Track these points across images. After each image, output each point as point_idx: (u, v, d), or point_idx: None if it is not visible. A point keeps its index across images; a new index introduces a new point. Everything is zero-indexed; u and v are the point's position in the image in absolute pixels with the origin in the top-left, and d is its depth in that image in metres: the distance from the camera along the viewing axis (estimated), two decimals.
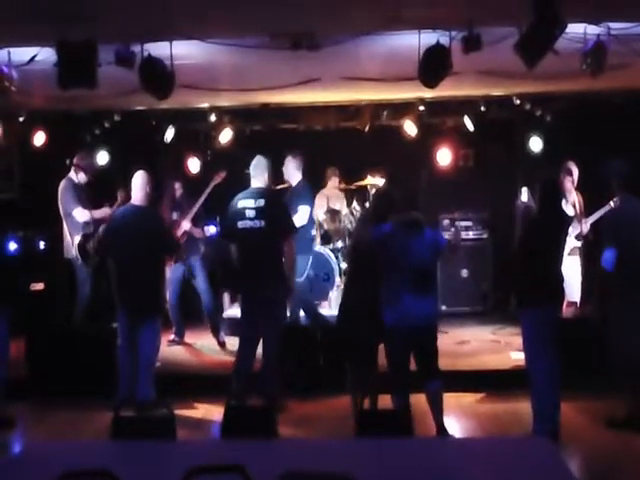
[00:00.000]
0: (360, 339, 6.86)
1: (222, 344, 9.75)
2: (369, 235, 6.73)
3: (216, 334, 9.82)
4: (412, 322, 6.43)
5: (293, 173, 9.10)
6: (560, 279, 6.82)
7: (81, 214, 9.04)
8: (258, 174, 7.53)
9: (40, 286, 10.64)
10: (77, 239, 9.01)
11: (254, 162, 7.59)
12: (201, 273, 9.91)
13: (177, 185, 10.01)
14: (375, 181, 10.67)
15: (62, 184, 9.14)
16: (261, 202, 7.36)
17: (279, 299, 7.48)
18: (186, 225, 9.70)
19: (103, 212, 8.94)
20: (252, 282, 7.41)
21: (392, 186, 8.57)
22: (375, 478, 3.98)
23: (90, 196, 9.28)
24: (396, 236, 6.49)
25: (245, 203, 7.41)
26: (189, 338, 10.16)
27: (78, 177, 9.21)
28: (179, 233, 9.62)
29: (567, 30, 5.87)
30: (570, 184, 8.99)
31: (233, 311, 10.28)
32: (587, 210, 9.00)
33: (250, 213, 7.35)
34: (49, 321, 9.52)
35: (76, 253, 9.03)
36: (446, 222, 11.13)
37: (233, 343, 9.12)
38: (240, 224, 7.39)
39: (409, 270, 6.43)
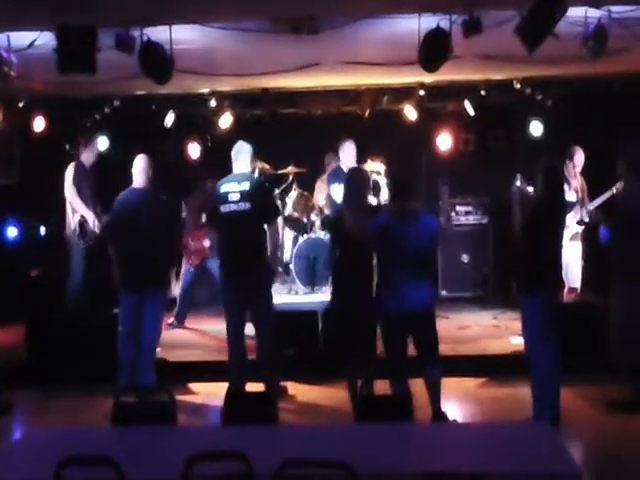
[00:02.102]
0: (357, 325, 6.89)
1: None
2: (362, 222, 6.72)
3: None
4: (409, 308, 6.43)
5: (351, 157, 9.21)
6: (560, 265, 6.82)
7: (71, 195, 9.03)
8: (240, 159, 7.49)
9: (40, 272, 10.64)
10: (77, 217, 9.02)
11: (236, 147, 7.54)
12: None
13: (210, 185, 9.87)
14: (375, 166, 10.64)
15: (69, 168, 9.15)
16: (245, 185, 7.30)
17: (264, 283, 7.45)
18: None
19: (86, 212, 8.97)
20: (236, 267, 7.34)
21: (363, 168, 8.67)
22: (375, 464, 3.98)
23: (94, 180, 9.28)
24: (392, 226, 6.49)
25: (228, 187, 7.35)
26: (190, 323, 10.15)
27: (85, 157, 9.25)
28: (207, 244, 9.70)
29: (568, 13, 5.85)
30: (573, 169, 8.97)
31: None
32: (589, 196, 8.99)
33: (234, 197, 7.29)
34: (49, 307, 9.52)
35: (75, 229, 9.02)
36: (445, 206, 11.08)
37: None
38: (223, 208, 7.32)
39: (405, 257, 6.42)
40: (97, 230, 8.94)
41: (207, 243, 9.85)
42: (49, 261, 10.50)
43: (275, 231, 7.56)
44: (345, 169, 9.07)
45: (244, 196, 7.27)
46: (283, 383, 7.67)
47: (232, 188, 7.33)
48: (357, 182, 7.26)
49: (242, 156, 7.48)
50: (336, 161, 11.06)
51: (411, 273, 6.44)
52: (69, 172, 9.10)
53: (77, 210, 9.03)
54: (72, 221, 9.09)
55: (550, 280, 6.70)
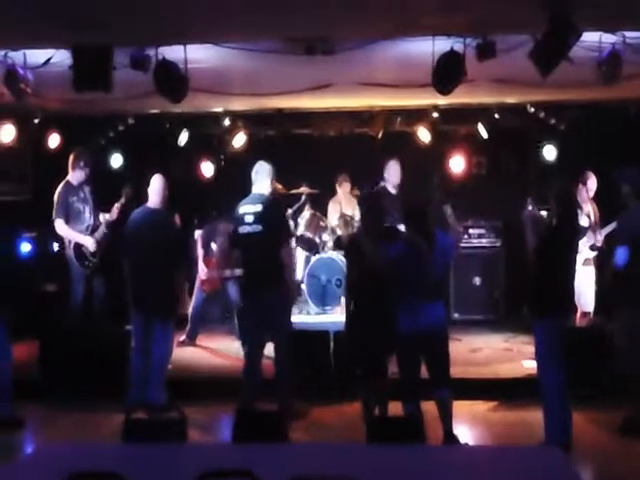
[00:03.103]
0: (371, 348, 6.88)
1: None
2: (379, 246, 6.75)
3: None
4: (424, 329, 6.44)
5: (397, 176, 9.45)
6: (572, 289, 6.81)
7: (58, 226, 8.91)
8: (259, 179, 7.56)
9: (53, 287, 10.67)
10: (72, 243, 8.96)
11: (256, 167, 7.60)
12: (234, 285, 9.89)
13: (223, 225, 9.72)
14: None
15: (58, 188, 9.00)
16: (259, 207, 7.39)
17: (281, 303, 7.50)
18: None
19: (81, 238, 8.88)
20: (254, 287, 7.44)
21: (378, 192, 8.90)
22: None
23: (91, 191, 9.18)
24: (408, 254, 6.53)
25: (245, 209, 7.45)
26: (202, 341, 10.15)
27: (75, 176, 9.04)
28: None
29: (582, 38, 5.85)
30: (586, 194, 8.95)
31: None
32: (602, 221, 8.97)
33: (249, 218, 7.38)
34: (62, 323, 9.53)
35: (71, 254, 8.99)
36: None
37: None
38: (241, 229, 7.44)
39: (422, 281, 6.47)
40: (92, 249, 8.89)
41: (217, 273, 9.82)
42: (62, 277, 10.53)
43: (287, 253, 7.57)
44: (391, 189, 9.13)
45: (257, 218, 7.34)
46: (299, 404, 7.66)
47: (248, 210, 7.42)
48: (374, 206, 7.31)
49: (260, 176, 7.55)
50: (348, 181, 11.11)
51: (427, 296, 6.49)
52: (55, 197, 8.92)
53: (69, 239, 8.98)
54: (68, 248, 9.03)
55: (562, 305, 6.69)
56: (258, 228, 7.35)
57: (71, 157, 9.15)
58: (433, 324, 6.49)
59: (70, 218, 8.94)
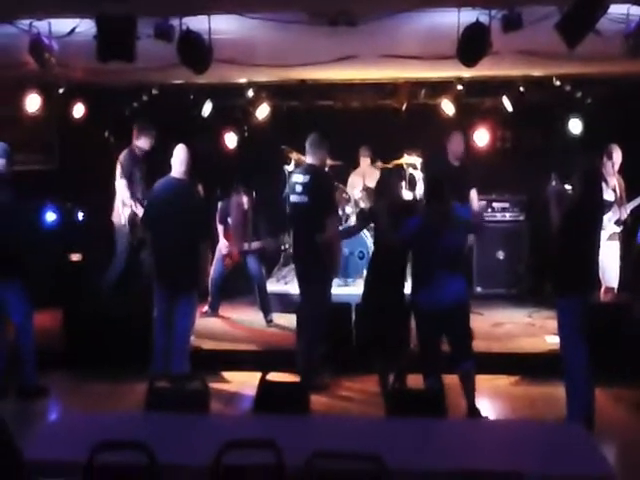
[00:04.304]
0: (385, 320, 6.91)
1: (269, 321, 9.68)
2: (396, 219, 6.81)
3: (266, 312, 9.76)
4: (445, 304, 6.45)
5: (460, 149, 9.43)
6: (597, 266, 6.77)
7: (121, 188, 9.05)
8: (311, 151, 7.64)
9: (78, 257, 10.75)
10: (127, 210, 9.04)
11: (310, 138, 7.68)
12: (253, 255, 9.90)
13: (245, 200, 9.84)
14: (411, 160, 10.62)
15: (122, 153, 9.17)
16: (307, 178, 7.49)
17: (316, 276, 7.53)
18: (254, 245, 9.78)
19: (139, 206, 8.93)
20: (296, 254, 7.69)
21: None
22: (406, 459, 3.98)
23: (145, 170, 9.26)
24: (426, 228, 6.53)
25: (296, 178, 7.60)
26: (225, 312, 10.19)
27: (138, 145, 9.20)
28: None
29: (609, 10, 5.78)
30: (611, 168, 8.86)
31: (275, 287, 10.37)
32: (627, 195, 8.89)
33: (298, 188, 7.51)
34: (87, 292, 9.61)
35: (125, 222, 9.08)
36: (482, 203, 11.00)
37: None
38: (292, 198, 7.62)
39: (441, 256, 6.46)
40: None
41: (236, 247, 9.85)
42: (87, 246, 10.61)
43: (332, 225, 7.59)
44: (453, 161, 9.26)
45: (304, 189, 7.45)
46: (326, 376, 7.74)
47: (298, 179, 7.56)
48: (391, 180, 7.34)
49: (313, 148, 7.63)
50: (369, 154, 11.06)
51: (446, 270, 6.48)
52: (119, 162, 9.10)
53: (126, 204, 9.06)
54: (122, 214, 9.10)
55: (586, 281, 6.65)
56: (304, 199, 7.46)
57: (136, 127, 9.27)
58: (453, 298, 6.49)
59: (129, 184, 9.06)
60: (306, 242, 7.44)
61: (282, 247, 10.57)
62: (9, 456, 3.43)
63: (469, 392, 6.64)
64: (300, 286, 7.75)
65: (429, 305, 6.50)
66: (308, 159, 7.68)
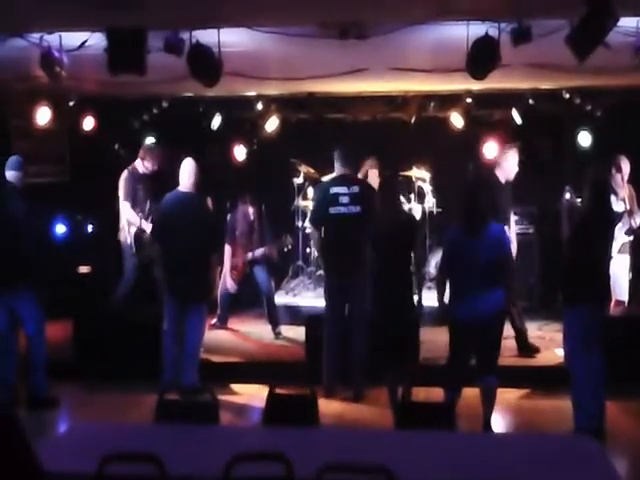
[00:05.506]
0: (397, 330, 6.90)
1: (278, 334, 9.70)
2: (395, 224, 6.97)
3: (274, 325, 9.77)
4: (480, 319, 6.39)
5: (514, 167, 9.10)
6: (608, 278, 6.75)
7: (125, 210, 9.05)
8: (343, 162, 7.92)
9: (87, 269, 10.78)
10: (133, 229, 9.05)
11: (339, 151, 7.95)
12: (261, 265, 9.92)
13: (251, 210, 9.90)
14: (421, 173, 10.62)
15: (123, 173, 9.18)
16: (355, 189, 7.75)
17: (362, 284, 7.61)
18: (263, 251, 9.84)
19: (145, 224, 8.94)
20: (343, 265, 7.72)
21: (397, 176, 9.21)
22: (415, 471, 3.97)
23: (151, 186, 9.28)
24: (460, 241, 6.54)
25: (338, 189, 7.73)
26: (234, 324, 10.21)
27: (144, 165, 9.21)
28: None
29: (619, 23, 5.79)
30: (621, 179, 8.84)
31: (284, 299, 10.40)
32: (638, 205, 8.87)
33: (344, 199, 7.68)
34: (96, 304, 9.63)
35: (131, 242, 9.09)
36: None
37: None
38: (332, 210, 7.73)
39: (475, 270, 6.41)
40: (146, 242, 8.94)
41: (241, 259, 9.85)
42: (97, 258, 10.64)
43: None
44: (502, 178, 8.91)
45: (355, 199, 7.69)
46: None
47: (342, 190, 7.74)
48: (391, 188, 7.49)
49: (343, 160, 7.96)
50: (376, 165, 11.06)
51: (482, 285, 6.41)
52: (121, 181, 9.10)
53: (133, 223, 9.06)
54: (128, 235, 9.10)
55: (596, 293, 6.63)
56: (356, 209, 7.67)
57: (143, 148, 9.33)
58: (487, 316, 6.42)
59: (134, 204, 9.07)
60: (357, 251, 7.59)
61: (284, 249, 10.52)
62: (31, 466, 3.44)
63: (488, 407, 6.61)
64: (347, 294, 7.79)
65: (465, 320, 6.45)
66: (341, 170, 7.91)
